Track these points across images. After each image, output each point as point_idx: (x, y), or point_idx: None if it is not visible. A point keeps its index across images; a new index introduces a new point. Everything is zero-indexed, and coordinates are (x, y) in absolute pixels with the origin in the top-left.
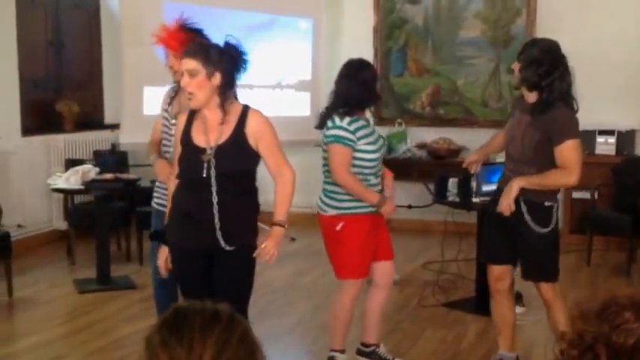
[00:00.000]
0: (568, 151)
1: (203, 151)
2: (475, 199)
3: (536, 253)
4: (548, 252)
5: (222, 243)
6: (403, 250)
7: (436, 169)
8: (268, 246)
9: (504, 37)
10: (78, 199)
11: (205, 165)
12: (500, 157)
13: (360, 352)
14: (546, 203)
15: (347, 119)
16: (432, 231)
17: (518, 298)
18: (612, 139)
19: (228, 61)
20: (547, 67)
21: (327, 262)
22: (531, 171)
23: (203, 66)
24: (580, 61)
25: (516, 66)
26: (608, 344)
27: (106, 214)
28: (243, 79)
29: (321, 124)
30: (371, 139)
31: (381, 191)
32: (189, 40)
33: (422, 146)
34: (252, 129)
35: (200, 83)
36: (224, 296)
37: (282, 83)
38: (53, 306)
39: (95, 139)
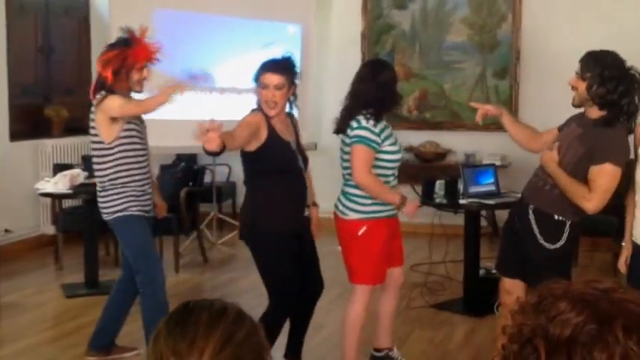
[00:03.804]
0: (603, 174)
1: (290, 145)
2: (462, 201)
3: (540, 269)
4: (553, 271)
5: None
6: None
7: (423, 171)
8: (319, 226)
9: (490, 41)
10: (66, 203)
11: (297, 157)
12: (488, 159)
13: (373, 358)
14: (556, 217)
15: (372, 121)
16: (419, 233)
17: None
18: None
19: None
20: (627, 85)
21: None
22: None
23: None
24: (566, 66)
25: (578, 83)
26: (546, 337)
27: (94, 219)
28: (229, 83)
29: (340, 129)
30: (393, 139)
31: None
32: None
33: (409, 149)
34: (298, 130)
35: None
36: (316, 270)
37: None
38: (41, 311)
39: (84, 144)
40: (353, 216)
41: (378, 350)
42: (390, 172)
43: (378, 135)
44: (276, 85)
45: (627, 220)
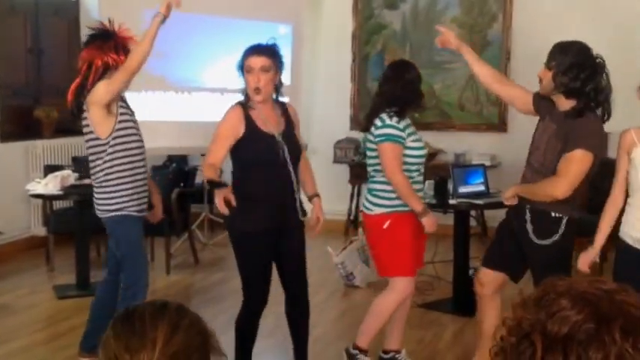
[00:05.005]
0: (571, 160)
1: (273, 137)
2: (452, 201)
3: (538, 266)
4: (550, 268)
5: (301, 215)
6: None
7: None
8: (320, 216)
9: (481, 41)
10: (57, 205)
11: (281, 149)
12: (477, 159)
13: None
14: (553, 214)
15: (395, 118)
16: None
17: None
18: None
19: None
20: (590, 72)
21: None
22: None
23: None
24: None
25: (545, 73)
26: (544, 333)
27: (85, 220)
28: (219, 84)
29: (367, 127)
30: (416, 136)
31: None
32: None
33: None
34: (294, 119)
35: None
36: (297, 268)
37: None
38: (32, 312)
39: (74, 145)
40: (377, 210)
41: (385, 352)
42: (414, 167)
43: (402, 130)
44: (262, 66)
45: (603, 218)
